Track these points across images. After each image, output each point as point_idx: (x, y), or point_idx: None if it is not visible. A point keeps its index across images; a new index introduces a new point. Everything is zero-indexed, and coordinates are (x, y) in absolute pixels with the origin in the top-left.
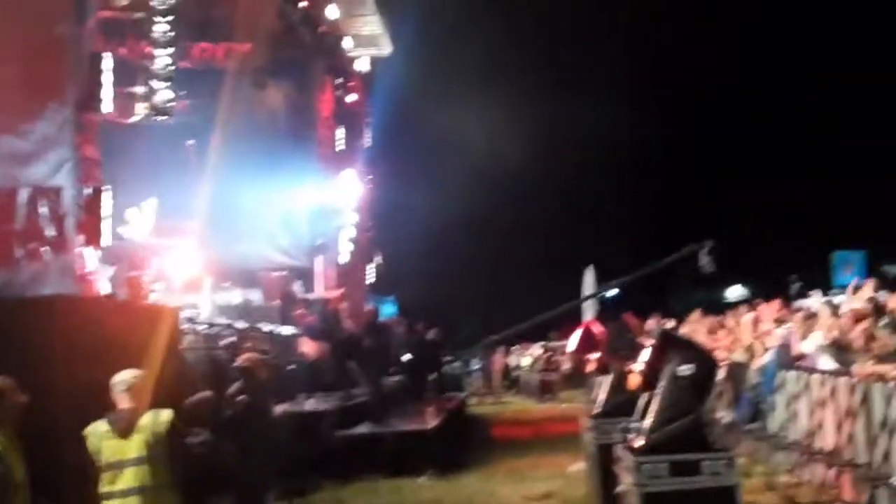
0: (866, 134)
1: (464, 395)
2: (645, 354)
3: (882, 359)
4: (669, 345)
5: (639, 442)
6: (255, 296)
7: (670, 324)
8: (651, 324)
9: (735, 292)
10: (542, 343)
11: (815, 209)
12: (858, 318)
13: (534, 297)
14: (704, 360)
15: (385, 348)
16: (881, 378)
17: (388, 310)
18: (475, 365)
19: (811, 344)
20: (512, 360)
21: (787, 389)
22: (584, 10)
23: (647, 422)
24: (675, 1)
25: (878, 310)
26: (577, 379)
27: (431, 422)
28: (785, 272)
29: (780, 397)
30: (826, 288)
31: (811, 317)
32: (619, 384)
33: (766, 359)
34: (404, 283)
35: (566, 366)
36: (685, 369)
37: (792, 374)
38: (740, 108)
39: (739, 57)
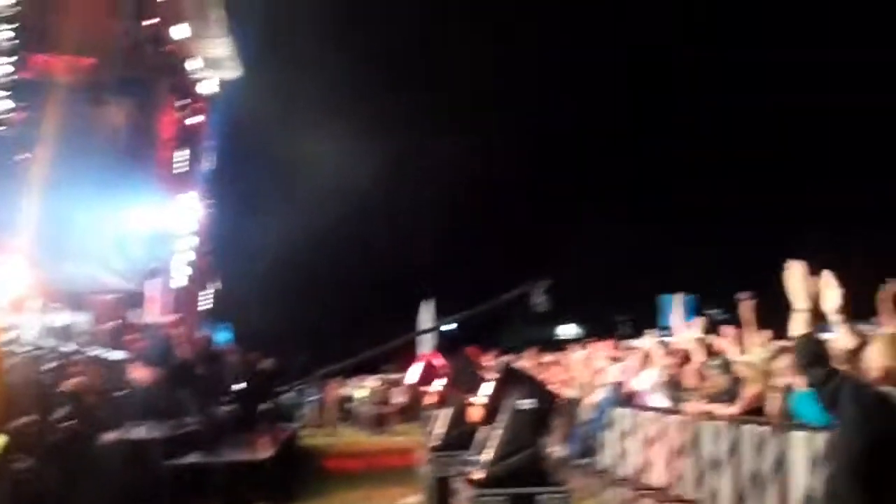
0: (695, 181)
1: (297, 426)
2: (487, 388)
3: (712, 398)
4: (512, 379)
5: (478, 475)
6: (85, 318)
7: (509, 359)
8: (493, 358)
9: (567, 330)
10: (378, 375)
11: (646, 252)
12: (689, 357)
13: (371, 328)
14: (545, 396)
15: (218, 376)
16: (711, 417)
17: (223, 337)
18: (310, 396)
19: (644, 382)
20: (347, 392)
21: (620, 426)
22: (436, 41)
23: (487, 455)
24: (526, 42)
25: (709, 350)
26: (412, 412)
27: (264, 452)
28: (615, 312)
29: (612, 434)
30: (655, 329)
31: (645, 355)
32: (458, 417)
33: (599, 395)
34: (243, 310)
35: (402, 398)
36: (526, 403)
37: (624, 411)
38: (577, 151)
39: (584, 97)
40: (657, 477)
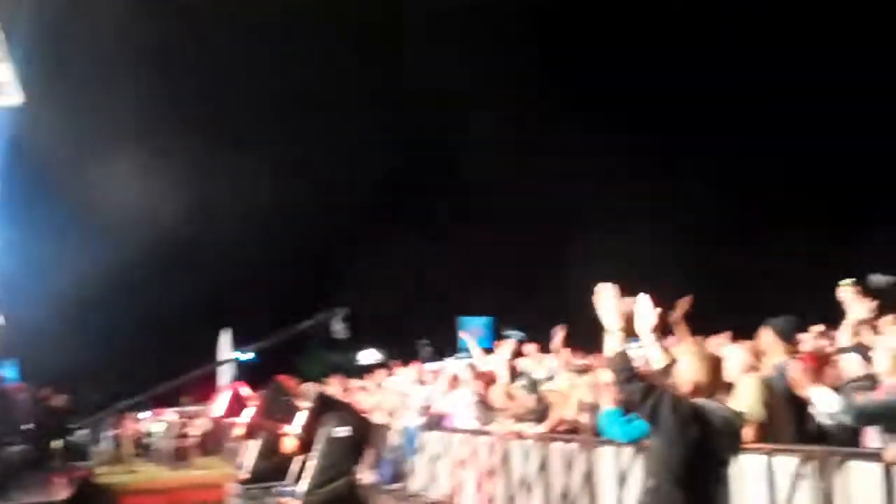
0: (490, 203)
1: (93, 464)
2: (301, 417)
3: (520, 417)
4: (326, 407)
5: None
6: None
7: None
8: (307, 386)
9: (368, 356)
10: (176, 408)
11: (444, 276)
12: (496, 378)
13: (168, 361)
14: (360, 423)
15: (5, 416)
16: (520, 436)
17: (9, 374)
18: (105, 432)
19: (453, 404)
20: (144, 427)
21: (429, 450)
22: (249, 69)
23: (304, 485)
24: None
25: (513, 371)
26: (214, 444)
27: (58, 493)
28: (414, 336)
29: (422, 457)
30: (455, 351)
31: (454, 377)
32: (269, 448)
33: (407, 420)
34: (32, 347)
35: (202, 430)
36: (341, 431)
37: (433, 435)
38: (371, 174)
39: (401, 131)
40: (469, 499)
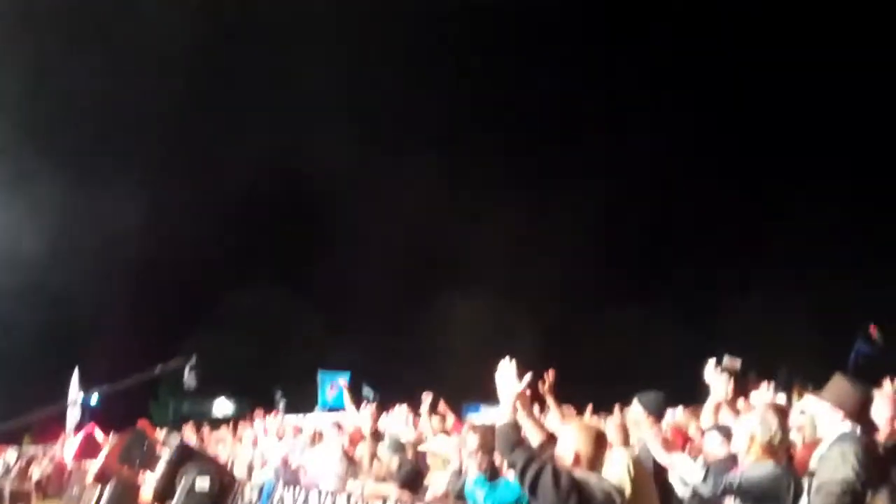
0: (351, 258)
1: None
2: (161, 465)
3: (383, 479)
4: (187, 457)
5: None
6: None
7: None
8: (169, 435)
9: (221, 405)
10: (16, 448)
11: (305, 327)
12: (362, 437)
13: (13, 398)
14: (221, 474)
15: None
16: (382, 497)
17: None
18: None
19: (315, 460)
20: None
21: None
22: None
23: None
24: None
25: (376, 434)
26: (56, 487)
27: None
28: (270, 387)
29: None
30: (313, 405)
31: (318, 433)
32: (121, 495)
33: (264, 475)
34: None
35: (43, 472)
36: (202, 482)
37: (291, 491)
38: (228, 224)
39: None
40: None
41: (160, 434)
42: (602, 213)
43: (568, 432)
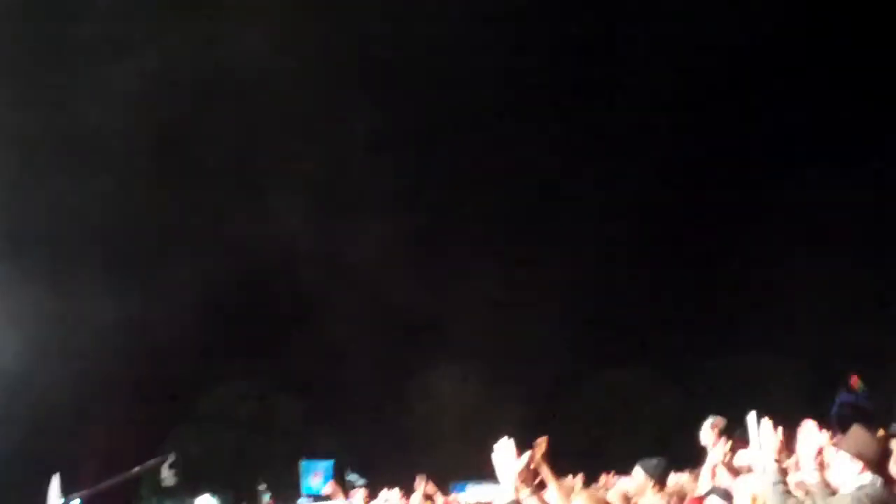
0: (327, 349)
1: None
2: None
3: None
4: None
5: None
6: None
7: None
8: None
9: (204, 502)
10: None
11: (284, 418)
12: None
13: None
14: None
15: None
16: None
17: None
18: None
19: None
20: None
21: None
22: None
23: None
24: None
25: None
26: None
27: None
28: (251, 480)
29: None
30: (296, 494)
31: None
32: None
33: None
34: None
35: None
36: None
37: None
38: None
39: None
40: None
41: None
42: (581, 276)
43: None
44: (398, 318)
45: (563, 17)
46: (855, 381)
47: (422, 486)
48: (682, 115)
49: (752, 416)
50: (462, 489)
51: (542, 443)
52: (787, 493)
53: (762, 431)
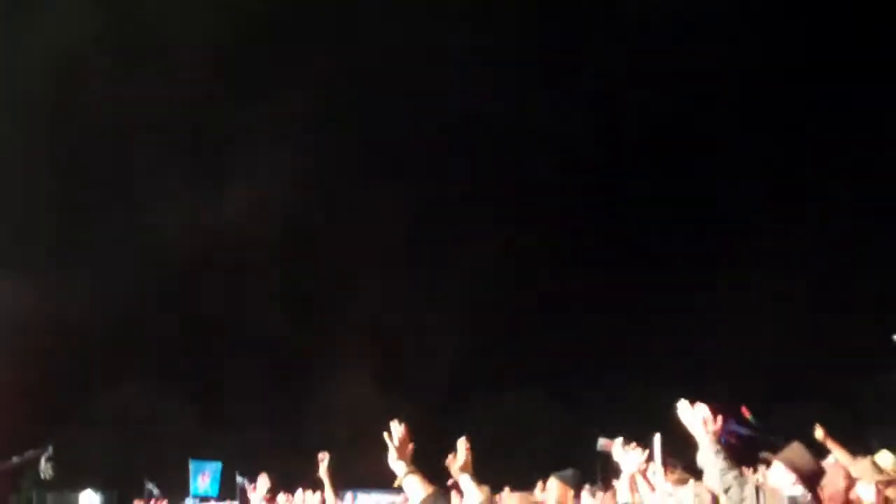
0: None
1: None
2: None
3: None
4: None
5: None
6: None
7: None
8: None
9: (87, 498)
10: None
11: (173, 418)
12: None
13: None
14: None
15: None
16: None
17: None
18: None
19: None
20: None
21: None
22: None
23: None
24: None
25: None
26: None
27: None
28: (137, 478)
29: None
30: (184, 494)
31: None
32: None
33: None
34: None
35: None
36: None
37: None
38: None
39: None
40: None
41: None
42: (474, 298)
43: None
44: (293, 327)
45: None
46: (745, 411)
47: (325, 462)
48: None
49: (657, 437)
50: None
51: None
52: (728, 464)
53: (693, 412)
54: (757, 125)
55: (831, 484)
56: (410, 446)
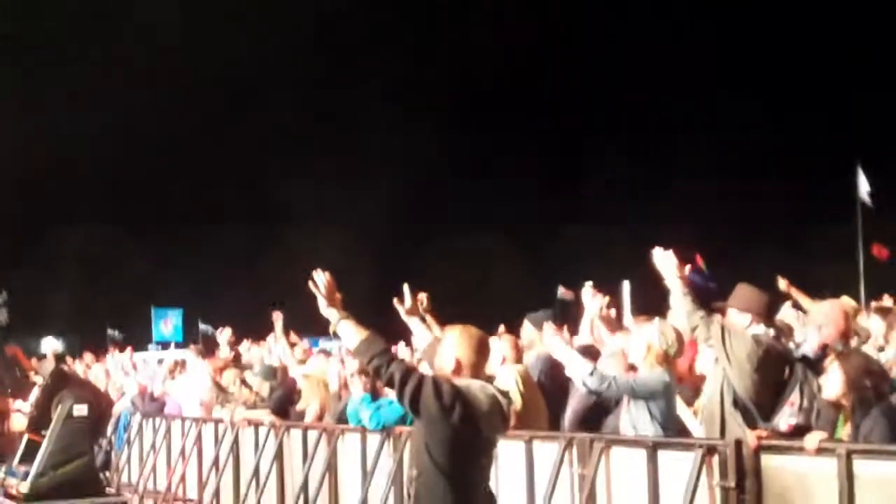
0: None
1: None
2: (35, 392)
3: (253, 404)
4: (63, 384)
5: (23, 488)
6: None
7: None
8: (44, 361)
9: (49, 344)
10: None
11: (133, 264)
12: (226, 364)
13: None
14: (99, 401)
15: None
16: (255, 423)
17: None
18: None
19: (180, 389)
20: None
21: (146, 439)
22: None
23: (37, 466)
24: None
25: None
26: None
27: None
28: (101, 324)
29: (136, 447)
30: (147, 341)
31: (179, 363)
32: None
33: (119, 405)
34: None
35: None
36: (79, 409)
37: (149, 423)
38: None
39: None
40: (190, 492)
41: (35, 361)
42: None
43: (447, 338)
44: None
45: None
46: (699, 260)
47: (279, 322)
48: None
49: (625, 284)
50: (316, 344)
51: (423, 297)
52: (693, 307)
53: (659, 259)
54: None
55: (834, 323)
56: (338, 294)
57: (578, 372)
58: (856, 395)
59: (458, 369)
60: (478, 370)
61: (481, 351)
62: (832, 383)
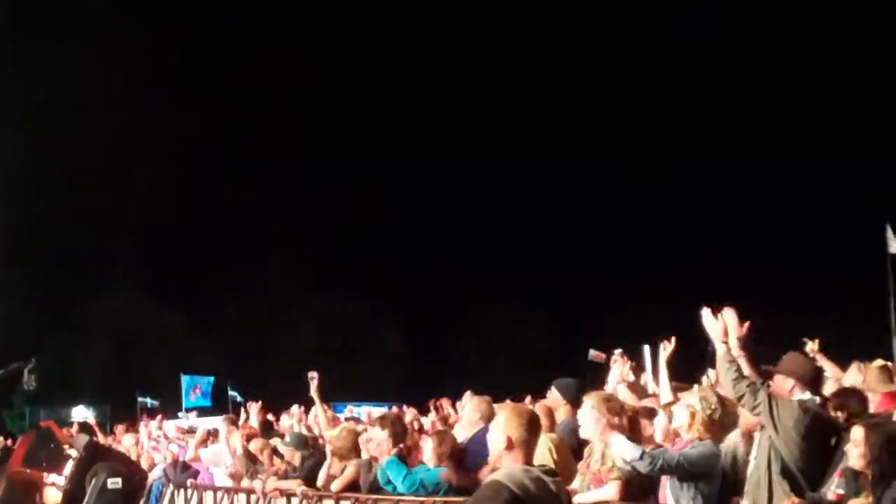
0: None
1: None
2: (70, 466)
3: (284, 474)
4: (97, 456)
5: None
6: None
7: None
8: (77, 434)
9: (80, 412)
10: None
11: (165, 331)
12: (255, 433)
13: None
14: (132, 474)
15: None
16: (286, 493)
17: None
18: None
19: (211, 458)
20: None
21: None
22: None
23: None
24: None
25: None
26: None
27: None
28: (128, 393)
29: None
30: (177, 408)
31: (210, 432)
32: (11, 496)
33: (152, 475)
34: None
35: None
36: (114, 482)
37: (181, 493)
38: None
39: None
40: None
41: (69, 434)
42: None
43: (498, 416)
44: (287, 237)
45: None
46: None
47: (314, 383)
48: None
49: (646, 348)
50: (341, 410)
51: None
52: (739, 374)
53: (709, 320)
54: None
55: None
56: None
57: (629, 457)
58: (876, 466)
59: (509, 447)
60: (530, 447)
61: (532, 428)
62: (854, 452)
